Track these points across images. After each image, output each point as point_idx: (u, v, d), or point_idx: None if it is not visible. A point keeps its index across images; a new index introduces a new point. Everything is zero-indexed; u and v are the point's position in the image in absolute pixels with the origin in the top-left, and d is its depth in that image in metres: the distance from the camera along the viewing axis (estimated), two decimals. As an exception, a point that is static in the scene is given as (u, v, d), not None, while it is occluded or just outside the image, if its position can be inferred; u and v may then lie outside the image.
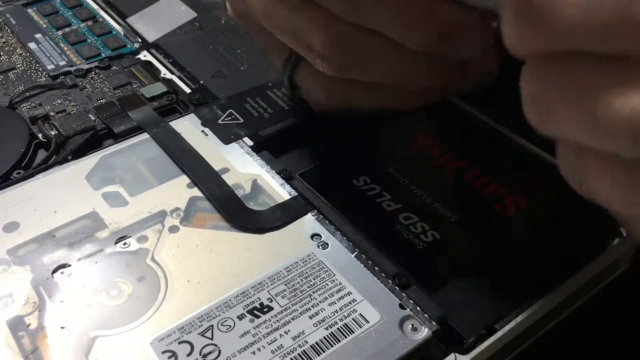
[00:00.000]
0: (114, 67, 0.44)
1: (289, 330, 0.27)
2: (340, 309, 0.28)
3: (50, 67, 0.43)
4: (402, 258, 0.30)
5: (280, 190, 0.33)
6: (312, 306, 0.28)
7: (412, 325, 0.27)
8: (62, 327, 0.27)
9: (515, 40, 0.18)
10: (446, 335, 0.27)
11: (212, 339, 0.26)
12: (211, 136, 0.37)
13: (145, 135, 0.37)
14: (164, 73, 0.43)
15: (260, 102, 0.40)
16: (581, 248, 0.32)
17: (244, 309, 0.28)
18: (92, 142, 0.37)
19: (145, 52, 0.45)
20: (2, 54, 0.45)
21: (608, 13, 0.16)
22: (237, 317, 0.27)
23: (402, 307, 0.28)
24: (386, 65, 0.31)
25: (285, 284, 0.29)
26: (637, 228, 0.24)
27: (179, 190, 0.33)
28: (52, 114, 0.39)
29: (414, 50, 0.30)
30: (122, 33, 0.47)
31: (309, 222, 0.32)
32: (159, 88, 0.41)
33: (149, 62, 0.44)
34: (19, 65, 0.44)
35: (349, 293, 0.28)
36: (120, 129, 0.38)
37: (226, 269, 0.29)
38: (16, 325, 0.27)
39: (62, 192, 0.33)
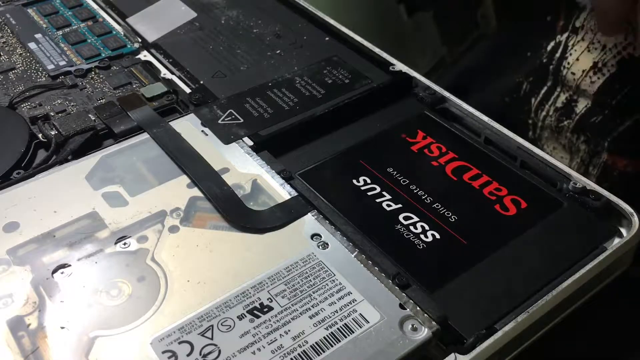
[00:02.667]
0: (114, 67, 0.44)
1: (289, 330, 0.27)
2: (340, 309, 0.28)
3: (50, 67, 0.43)
4: (402, 258, 0.30)
5: (280, 190, 0.33)
6: (312, 306, 0.28)
7: (412, 325, 0.27)
8: (62, 327, 0.27)
9: None
10: (446, 335, 0.27)
11: (212, 339, 0.26)
12: (211, 136, 0.37)
13: (145, 135, 0.37)
14: (164, 73, 0.43)
15: (260, 102, 0.40)
16: (581, 248, 0.32)
17: (244, 309, 0.28)
18: (92, 142, 0.37)
19: (145, 52, 0.45)
20: (2, 54, 0.45)
21: None
22: (237, 317, 0.27)
23: (402, 307, 0.28)
24: None
25: (285, 284, 0.29)
26: None
27: (179, 190, 0.33)
28: (52, 114, 0.39)
29: None
30: (122, 33, 0.47)
31: (309, 222, 0.32)
32: (159, 88, 0.41)
33: (149, 62, 0.44)
34: (19, 65, 0.44)
35: (349, 293, 0.28)
36: (120, 129, 0.38)
37: (226, 269, 0.29)
38: (16, 325, 0.27)
39: (62, 192, 0.33)
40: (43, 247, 0.30)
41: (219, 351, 0.26)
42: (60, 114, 0.39)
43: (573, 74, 0.36)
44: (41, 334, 0.27)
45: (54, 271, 0.29)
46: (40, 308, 0.28)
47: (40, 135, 0.38)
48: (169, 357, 0.26)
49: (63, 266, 0.29)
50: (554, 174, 0.35)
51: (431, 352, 0.27)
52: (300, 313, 0.27)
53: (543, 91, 0.40)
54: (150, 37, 0.47)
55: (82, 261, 0.30)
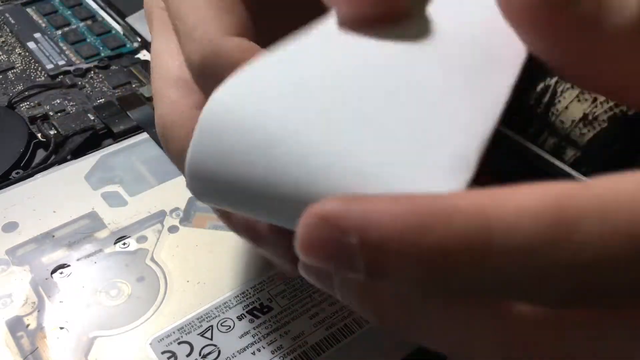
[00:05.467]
0: (113, 66, 0.44)
1: (289, 331, 0.27)
2: (341, 309, 0.27)
3: (49, 66, 0.43)
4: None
5: (280, 190, 0.33)
6: (312, 306, 0.28)
7: (413, 325, 0.27)
8: (62, 328, 0.27)
9: None
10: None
11: (211, 339, 0.26)
12: (211, 136, 0.37)
13: (144, 135, 0.37)
14: (164, 72, 0.43)
15: (260, 101, 0.40)
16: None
17: (243, 309, 0.27)
18: (91, 141, 0.37)
19: (144, 52, 0.45)
20: (1, 53, 0.45)
21: None
22: (237, 317, 0.27)
23: (402, 307, 0.27)
24: None
25: (286, 284, 0.28)
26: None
27: (179, 190, 0.33)
28: (51, 113, 0.39)
29: None
30: (122, 32, 0.47)
31: (308, 222, 0.32)
32: (158, 87, 0.41)
33: (148, 62, 0.44)
34: (18, 65, 0.44)
35: (349, 293, 0.28)
36: (120, 128, 0.38)
37: (226, 269, 0.29)
38: (15, 326, 0.27)
39: (62, 192, 0.33)
40: (42, 247, 0.30)
41: (219, 351, 0.26)
42: (59, 114, 0.39)
43: (562, 122, 0.35)
44: (40, 334, 0.27)
45: (53, 271, 0.29)
46: (40, 308, 0.28)
47: (39, 135, 0.38)
48: (169, 358, 0.26)
49: (62, 266, 0.29)
50: (554, 173, 0.35)
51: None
52: (300, 313, 0.27)
53: (530, 132, 0.40)
54: (150, 37, 0.47)
55: (82, 261, 0.30)
